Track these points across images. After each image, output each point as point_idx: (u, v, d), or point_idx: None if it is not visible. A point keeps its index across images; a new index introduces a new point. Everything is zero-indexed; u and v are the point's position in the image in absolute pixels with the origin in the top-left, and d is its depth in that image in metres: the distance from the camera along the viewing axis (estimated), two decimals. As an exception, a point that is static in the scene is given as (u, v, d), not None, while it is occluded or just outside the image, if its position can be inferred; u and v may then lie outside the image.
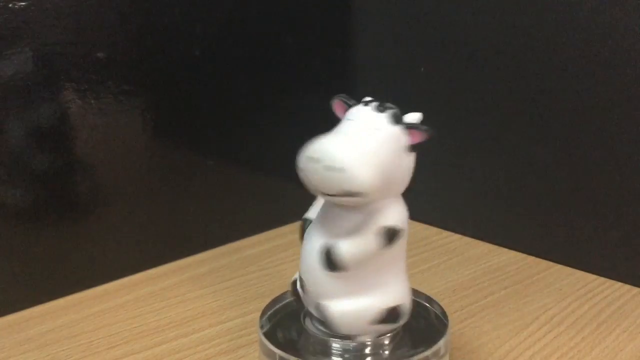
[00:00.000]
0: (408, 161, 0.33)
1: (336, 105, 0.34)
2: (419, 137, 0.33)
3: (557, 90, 0.51)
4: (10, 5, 0.42)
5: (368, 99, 0.34)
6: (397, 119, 0.33)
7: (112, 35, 0.48)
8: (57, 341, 0.41)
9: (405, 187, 0.34)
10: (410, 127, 0.33)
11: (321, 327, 0.35)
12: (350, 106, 0.34)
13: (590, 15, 0.48)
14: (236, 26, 0.55)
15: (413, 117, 0.35)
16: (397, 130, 0.33)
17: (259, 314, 0.44)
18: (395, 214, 0.33)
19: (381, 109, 0.33)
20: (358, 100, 0.34)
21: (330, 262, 0.32)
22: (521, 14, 0.52)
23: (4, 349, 0.41)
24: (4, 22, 0.42)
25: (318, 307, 0.34)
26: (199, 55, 0.53)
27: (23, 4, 0.43)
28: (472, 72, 0.56)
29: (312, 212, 0.36)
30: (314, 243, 0.34)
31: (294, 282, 0.37)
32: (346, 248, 0.32)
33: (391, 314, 0.34)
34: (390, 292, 0.34)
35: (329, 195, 0.31)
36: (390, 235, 0.33)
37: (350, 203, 0.32)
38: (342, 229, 0.33)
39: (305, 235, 0.35)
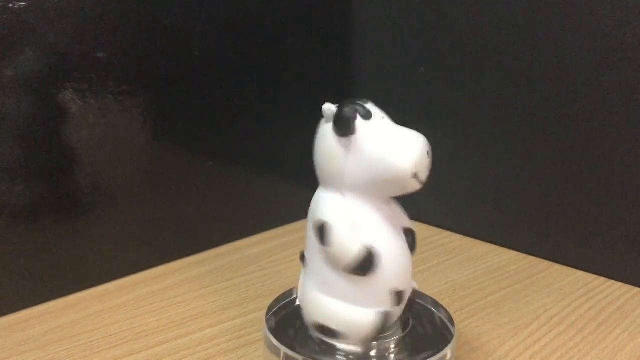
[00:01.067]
0: None
1: (354, 115, 0.33)
2: None
3: (557, 90, 0.51)
4: (10, 5, 0.42)
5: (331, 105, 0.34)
6: None
7: (112, 35, 0.48)
8: (57, 341, 0.41)
9: None
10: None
11: None
12: (359, 112, 0.33)
13: (591, 15, 0.48)
14: (236, 26, 0.55)
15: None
16: None
17: (259, 313, 0.44)
18: None
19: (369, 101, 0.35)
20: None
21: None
22: (521, 14, 0.52)
23: (4, 349, 0.41)
24: (4, 22, 0.42)
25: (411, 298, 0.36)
26: (199, 55, 0.53)
27: (23, 4, 0.43)
28: (472, 72, 0.56)
29: (358, 242, 0.33)
30: (403, 244, 0.35)
31: (383, 320, 0.35)
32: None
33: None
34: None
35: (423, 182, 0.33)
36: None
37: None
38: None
39: (385, 253, 0.34)
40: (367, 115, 0.33)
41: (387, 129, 0.33)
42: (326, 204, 0.33)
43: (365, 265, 0.33)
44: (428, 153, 0.32)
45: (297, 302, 0.40)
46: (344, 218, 0.33)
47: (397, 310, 0.35)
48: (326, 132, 0.33)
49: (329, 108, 0.33)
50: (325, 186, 0.34)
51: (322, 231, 0.33)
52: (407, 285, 0.35)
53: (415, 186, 0.32)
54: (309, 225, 0.35)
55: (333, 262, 0.33)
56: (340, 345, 0.35)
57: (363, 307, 0.34)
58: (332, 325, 0.34)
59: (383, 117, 0.33)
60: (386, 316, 0.34)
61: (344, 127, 0.32)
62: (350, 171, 0.33)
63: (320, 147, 0.34)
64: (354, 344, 0.35)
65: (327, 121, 0.33)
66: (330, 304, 0.34)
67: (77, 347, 0.41)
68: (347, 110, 0.32)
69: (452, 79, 0.57)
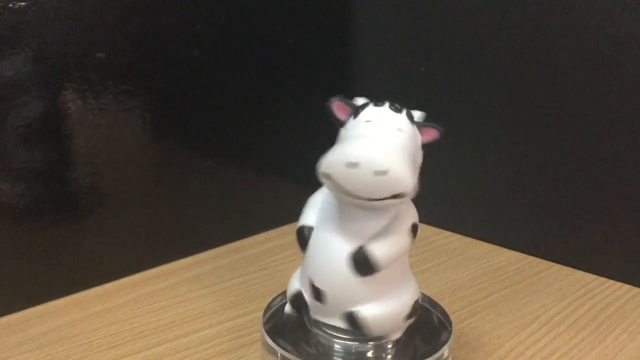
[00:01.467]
0: (421, 159, 0.34)
1: (336, 106, 0.34)
2: (432, 136, 0.34)
3: (558, 90, 0.51)
4: (10, 5, 0.42)
5: (362, 100, 0.34)
6: (412, 119, 0.34)
7: (112, 35, 0.48)
8: (57, 341, 0.41)
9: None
10: (424, 126, 0.34)
11: (341, 334, 0.35)
12: (352, 107, 0.33)
13: (591, 15, 0.48)
14: (236, 26, 0.55)
15: (417, 115, 0.35)
16: (415, 129, 0.33)
17: (259, 314, 0.44)
18: (414, 210, 0.34)
19: (397, 109, 0.33)
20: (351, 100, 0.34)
21: (365, 266, 0.32)
22: (521, 14, 0.52)
23: (4, 349, 0.41)
24: (4, 22, 0.42)
25: (348, 315, 0.33)
26: (199, 55, 0.53)
27: (23, 4, 0.43)
28: (473, 72, 0.56)
29: (310, 219, 0.35)
30: (337, 250, 0.33)
31: (297, 295, 0.35)
32: (381, 249, 0.32)
33: (415, 307, 0.35)
34: (412, 286, 0.35)
35: (372, 199, 0.30)
36: (416, 231, 0.34)
37: (389, 204, 0.31)
38: (370, 231, 0.33)
39: (317, 243, 0.34)
40: (355, 114, 0.33)
41: (353, 130, 0.32)
42: (320, 189, 0.36)
43: (296, 237, 0.35)
44: (356, 164, 0.29)
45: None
46: (319, 193, 0.35)
47: (319, 306, 0.34)
48: (413, 139, 0.33)
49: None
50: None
51: (416, 231, 0.34)
52: (328, 288, 0.33)
53: (337, 190, 0.31)
54: None
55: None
56: (338, 345, 0.35)
57: (296, 278, 0.36)
58: None
59: (368, 121, 0.32)
60: (298, 297, 0.35)
61: (332, 118, 0.33)
62: None
63: (413, 155, 0.33)
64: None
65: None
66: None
67: (77, 347, 0.41)
68: (331, 100, 0.33)
69: (452, 79, 0.57)
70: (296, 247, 0.35)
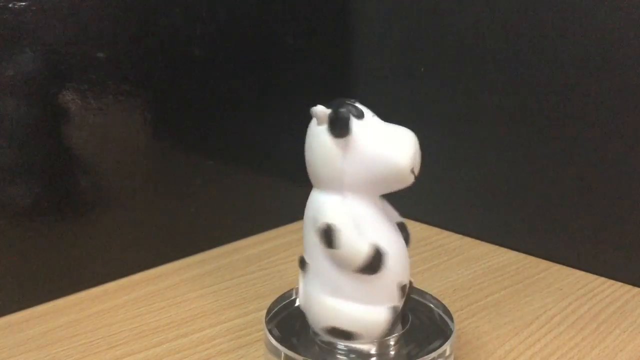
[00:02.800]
0: None
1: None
2: None
3: (558, 90, 0.51)
4: (10, 5, 0.42)
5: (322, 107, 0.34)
6: None
7: (112, 35, 0.48)
8: (57, 341, 0.41)
9: None
10: None
11: None
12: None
13: (591, 15, 0.48)
14: (236, 26, 0.55)
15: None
16: None
17: (259, 314, 0.44)
18: None
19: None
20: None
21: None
22: (521, 14, 0.52)
23: (4, 349, 0.41)
24: (4, 22, 0.42)
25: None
26: (199, 55, 0.53)
27: (23, 4, 0.43)
28: (472, 72, 0.56)
29: (369, 236, 0.34)
30: (400, 239, 0.35)
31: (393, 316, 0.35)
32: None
33: None
34: None
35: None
36: None
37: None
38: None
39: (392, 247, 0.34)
40: (360, 115, 0.33)
41: (380, 127, 0.33)
42: (328, 207, 0.33)
43: (375, 263, 0.33)
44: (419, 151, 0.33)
45: (298, 304, 0.40)
46: (349, 219, 0.33)
47: (401, 304, 0.35)
48: (320, 133, 0.33)
49: (322, 110, 0.33)
50: (321, 188, 0.34)
51: (328, 234, 0.33)
52: (408, 278, 0.35)
53: (410, 180, 0.33)
54: (308, 229, 0.34)
55: (341, 263, 0.33)
56: (354, 345, 0.35)
57: (375, 305, 0.34)
58: (346, 326, 0.34)
59: (373, 116, 0.33)
60: (395, 311, 0.35)
61: (341, 128, 0.32)
62: (349, 171, 0.33)
63: (315, 149, 0.33)
64: (367, 343, 0.35)
65: (320, 123, 0.33)
66: (342, 305, 0.34)
67: (77, 347, 0.41)
68: (344, 111, 0.32)
69: (452, 80, 0.57)
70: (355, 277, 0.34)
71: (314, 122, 0.34)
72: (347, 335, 0.34)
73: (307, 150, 0.34)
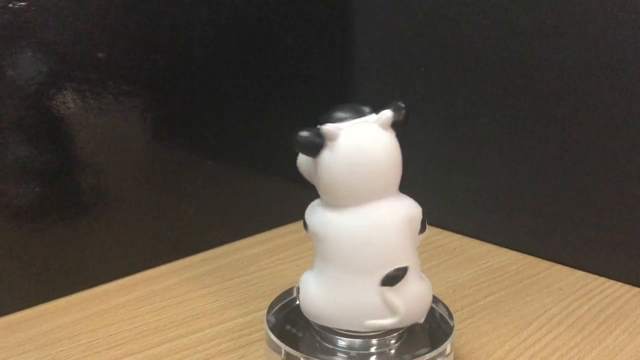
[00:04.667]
0: None
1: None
2: None
3: (558, 90, 0.51)
4: (10, 5, 0.42)
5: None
6: None
7: (112, 35, 0.48)
8: (57, 341, 0.41)
9: None
10: None
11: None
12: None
13: (590, 15, 0.48)
14: (236, 26, 0.55)
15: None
16: None
17: (259, 314, 0.44)
18: None
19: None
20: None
21: None
22: (521, 14, 0.52)
23: (4, 349, 0.41)
24: (4, 22, 0.42)
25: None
26: (199, 55, 0.53)
27: (23, 4, 0.43)
28: (472, 73, 0.56)
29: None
30: None
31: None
32: None
33: None
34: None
35: None
36: None
37: None
38: None
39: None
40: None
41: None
42: (410, 199, 0.35)
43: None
44: None
45: (299, 303, 0.40)
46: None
47: None
48: (391, 139, 0.33)
49: (387, 113, 0.33)
50: (389, 193, 0.34)
51: (425, 219, 0.35)
52: None
53: None
54: (400, 234, 0.34)
55: (422, 240, 0.36)
56: (342, 342, 0.35)
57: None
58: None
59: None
60: None
61: (404, 124, 0.34)
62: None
63: (390, 156, 0.33)
64: None
65: (386, 127, 0.33)
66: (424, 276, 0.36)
67: (77, 347, 0.41)
68: (404, 105, 0.34)
69: (452, 79, 0.57)
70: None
71: (365, 134, 0.33)
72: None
73: (385, 163, 0.33)
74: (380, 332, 0.35)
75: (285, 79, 0.60)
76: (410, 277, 0.34)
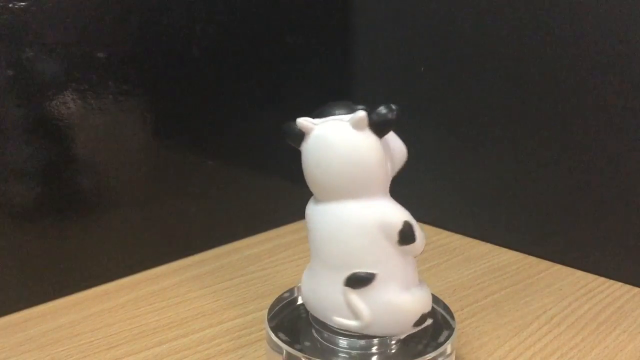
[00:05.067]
0: None
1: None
2: None
3: (558, 90, 0.51)
4: (10, 5, 0.42)
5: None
6: None
7: (112, 35, 0.48)
8: (57, 341, 0.41)
9: None
10: None
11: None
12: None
13: (590, 15, 0.48)
14: (236, 26, 0.55)
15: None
16: None
17: (259, 314, 0.44)
18: None
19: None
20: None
21: None
22: (521, 14, 0.52)
23: (4, 349, 0.41)
24: (4, 22, 0.42)
25: None
26: (199, 55, 0.53)
27: (23, 4, 0.43)
28: (472, 72, 0.56)
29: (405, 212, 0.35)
30: None
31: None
32: None
33: None
34: None
35: None
36: None
37: None
38: None
39: None
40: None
41: None
42: (394, 207, 0.34)
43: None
44: None
45: (300, 303, 0.40)
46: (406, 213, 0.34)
47: None
48: (363, 139, 0.32)
49: (364, 114, 0.32)
50: (362, 196, 0.33)
51: (410, 231, 0.33)
52: None
53: None
54: (370, 238, 0.33)
55: (414, 252, 0.34)
56: (343, 342, 0.35)
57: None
58: (428, 309, 0.35)
59: None
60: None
61: (390, 126, 0.33)
62: (389, 168, 0.34)
63: (363, 156, 0.32)
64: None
65: (360, 128, 0.32)
66: (422, 291, 0.35)
67: (77, 347, 0.41)
68: (394, 108, 0.32)
69: (452, 79, 0.57)
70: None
71: (338, 131, 0.33)
72: (428, 317, 0.35)
73: (347, 162, 0.32)
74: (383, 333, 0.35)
75: (285, 78, 0.60)
76: (383, 286, 0.33)
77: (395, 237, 0.33)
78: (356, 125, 0.32)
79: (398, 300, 0.34)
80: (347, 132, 0.32)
